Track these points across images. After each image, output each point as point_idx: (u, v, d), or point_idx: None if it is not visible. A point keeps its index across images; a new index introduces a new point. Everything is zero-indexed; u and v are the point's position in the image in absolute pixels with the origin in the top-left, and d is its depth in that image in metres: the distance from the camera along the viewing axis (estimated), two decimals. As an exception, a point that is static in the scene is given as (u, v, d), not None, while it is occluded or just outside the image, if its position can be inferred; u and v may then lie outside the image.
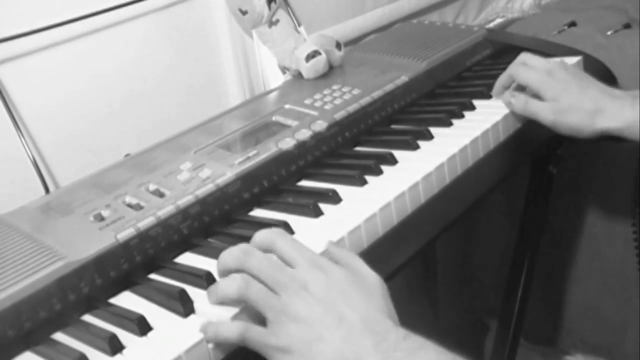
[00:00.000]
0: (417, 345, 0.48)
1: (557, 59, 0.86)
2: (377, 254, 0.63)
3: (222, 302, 0.54)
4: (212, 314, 0.53)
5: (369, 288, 0.53)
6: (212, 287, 0.54)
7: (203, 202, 0.66)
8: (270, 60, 0.98)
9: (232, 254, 0.54)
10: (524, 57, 0.85)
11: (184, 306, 0.54)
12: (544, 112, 0.80)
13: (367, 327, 0.49)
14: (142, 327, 0.52)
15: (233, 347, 0.52)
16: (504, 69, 0.86)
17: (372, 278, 0.54)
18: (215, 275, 0.57)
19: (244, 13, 0.92)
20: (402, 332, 0.49)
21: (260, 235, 0.56)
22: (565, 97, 0.79)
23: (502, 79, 0.87)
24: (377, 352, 0.48)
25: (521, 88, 0.85)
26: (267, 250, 0.55)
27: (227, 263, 0.54)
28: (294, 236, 0.62)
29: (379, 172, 0.72)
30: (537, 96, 0.82)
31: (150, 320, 0.53)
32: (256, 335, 0.51)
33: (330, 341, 0.49)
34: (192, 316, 0.54)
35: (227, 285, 0.53)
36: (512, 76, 0.85)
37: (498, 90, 0.88)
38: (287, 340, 0.50)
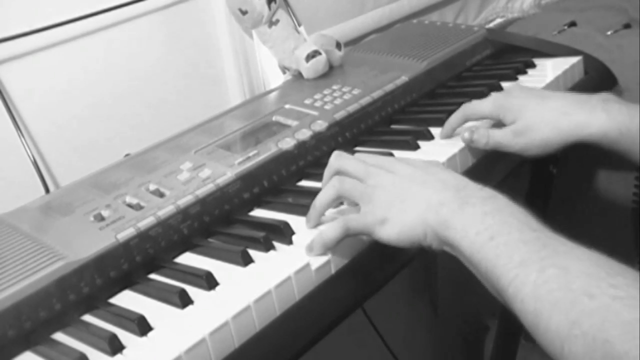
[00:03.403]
0: (490, 195, 0.55)
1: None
2: (376, 254, 0.63)
3: (323, 212, 0.62)
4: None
5: (438, 166, 0.62)
6: (311, 208, 0.63)
7: (203, 202, 0.66)
8: (270, 60, 0.98)
9: (328, 188, 0.62)
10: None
11: (181, 301, 0.54)
12: (507, 140, 0.73)
13: (447, 184, 0.57)
14: (142, 327, 0.52)
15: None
16: (504, 69, 0.86)
17: (435, 162, 0.64)
18: (215, 275, 0.57)
19: (244, 13, 0.92)
20: (479, 186, 0.57)
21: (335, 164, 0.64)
22: (524, 116, 0.72)
23: (453, 120, 0.78)
24: (457, 199, 0.55)
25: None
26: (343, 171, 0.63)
27: (328, 195, 0.61)
28: (296, 237, 0.62)
29: (379, 172, 0.72)
30: (498, 126, 0.75)
31: (151, 320, 0.53)
32: (355, 220, 0.59)
33: (418, 197, 0.57)
34: (189, 307, 0.55)
35: (324, 194, 0.62)
36: (466, 114, 0.77)
37: (448, 132, 0.78)
38: (381, 208, 0.58)
